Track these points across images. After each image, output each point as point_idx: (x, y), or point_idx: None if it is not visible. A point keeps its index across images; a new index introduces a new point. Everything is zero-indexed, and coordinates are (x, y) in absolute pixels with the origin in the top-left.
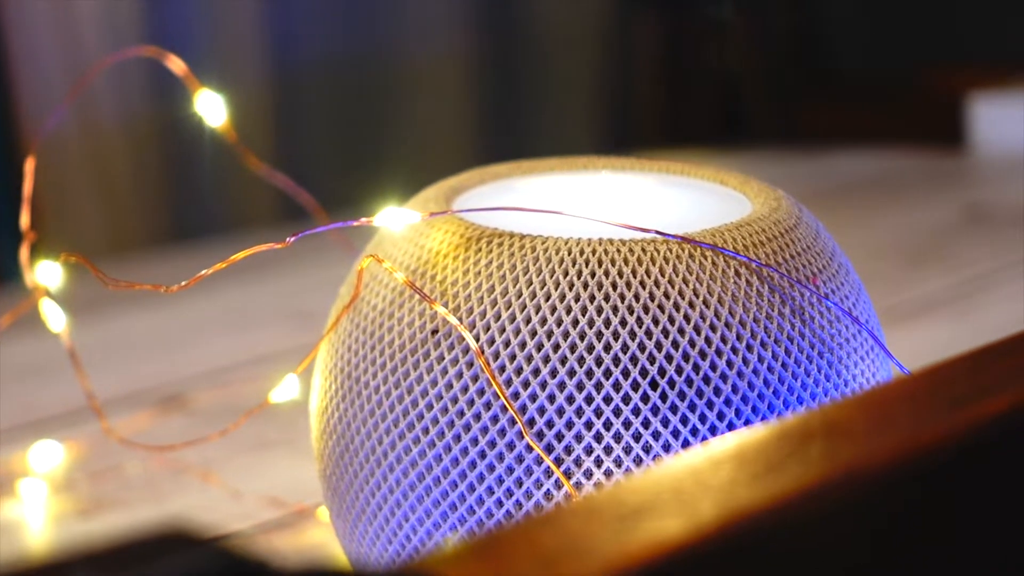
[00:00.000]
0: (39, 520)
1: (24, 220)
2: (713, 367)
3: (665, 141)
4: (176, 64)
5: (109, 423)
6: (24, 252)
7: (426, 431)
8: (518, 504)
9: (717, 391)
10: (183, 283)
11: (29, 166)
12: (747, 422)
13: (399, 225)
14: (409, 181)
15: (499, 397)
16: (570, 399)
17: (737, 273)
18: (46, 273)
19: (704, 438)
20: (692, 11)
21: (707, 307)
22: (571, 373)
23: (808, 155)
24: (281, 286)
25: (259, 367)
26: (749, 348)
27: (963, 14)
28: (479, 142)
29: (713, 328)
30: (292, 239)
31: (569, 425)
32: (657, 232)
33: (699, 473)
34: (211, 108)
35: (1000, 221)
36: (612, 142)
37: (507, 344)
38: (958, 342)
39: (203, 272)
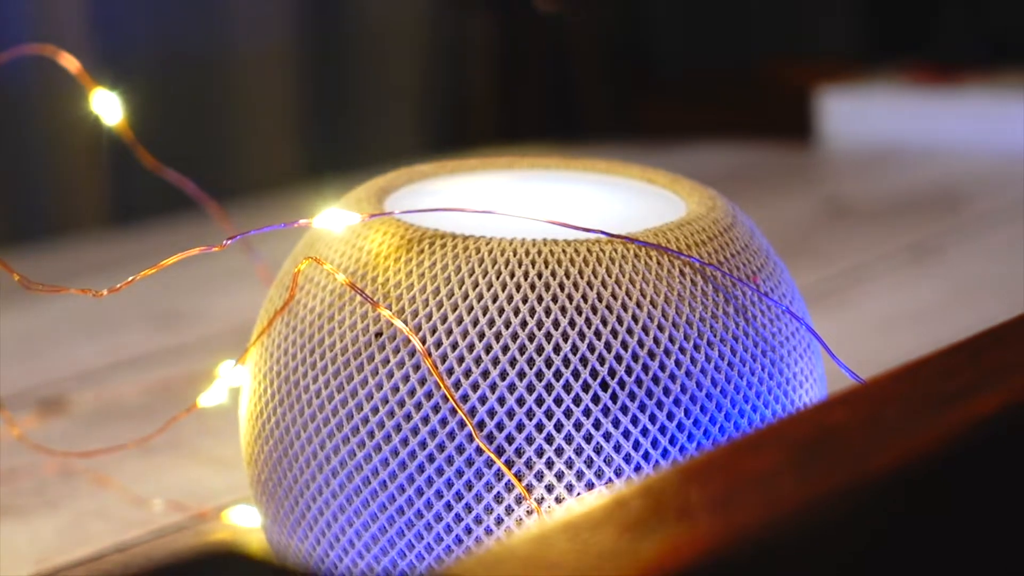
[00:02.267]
0: None
1: None
2: (662, 367)
3: (499, 138)
4: (70, 62)
5: None
6: None
7: (371, 435)
8: (467, 507)
9: (666, 391)
10: (117, 286)
11: None
12: (695, 421)
13: (338, 226)
14: (237, 180)
15: (447, 400)
16: (520, 401)
17: (682, 272)
18: None
19: (654, 438)
20: (525, 8)
21: (654, 307)
22: (521, 375)
23: (653, 150)
24: (141, 285)
25: (130, 370)
26: (696, 347)
27: (805, 11)
28: (306, 139)
29: (660, 328)
30: (228, 242)
31: (520, 427)
32: (601, 232)
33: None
34: (107, 106)
35: (861, 214)
36: (444, 139)
37: (454, 346)
38: (841, 336)
39: (136, 276)
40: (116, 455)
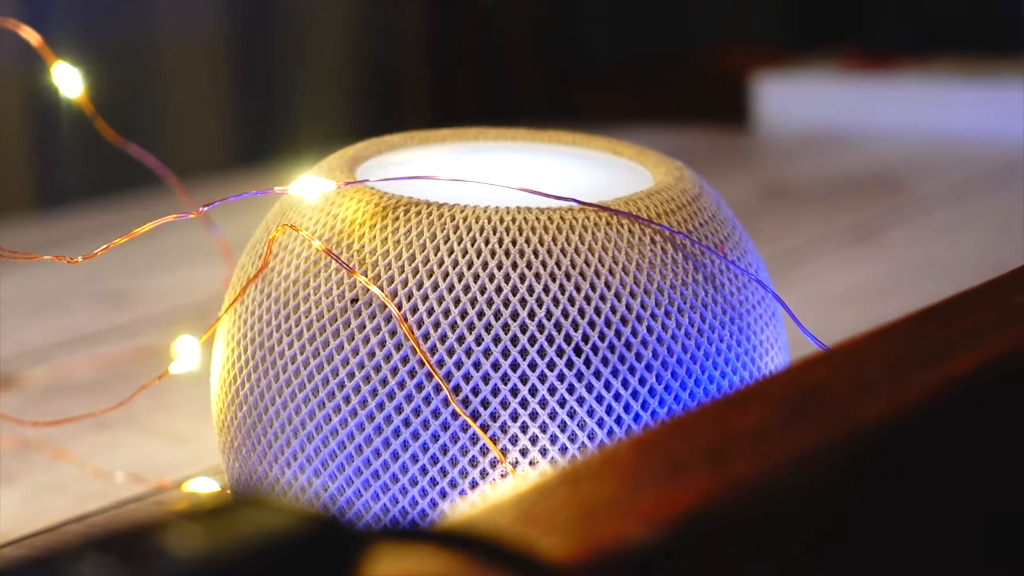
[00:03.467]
0: None
1: None
2: (634, 333)
3: (433, 125)
4: (31, 35)
5: None
6: None
7: (347, 400)
8: (443, 471)
9: (639, 356)
10: (95, 252)
11: None
12: (666, 387)
13: (313, 194)
14: (170, 162)
15: (423, 365)
16: (495, 366)
17: (652, 241)
18: None
19: (626, 403)
20: None
21: (626, 274)
22: (496, 340)
23: (590, 134)
24: (84, 264)
25: (79, 347)
26: (667, 314)
27: None
28: (234, 125)
29: (633, 295)
30: (204, 208)
31: (495, 392)
32: (574, 200)
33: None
34: (68, 80)
35: (799, 197)
36: (377, 126)
37: (430, 312)
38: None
39: (113, 242)
40: (70, 429)
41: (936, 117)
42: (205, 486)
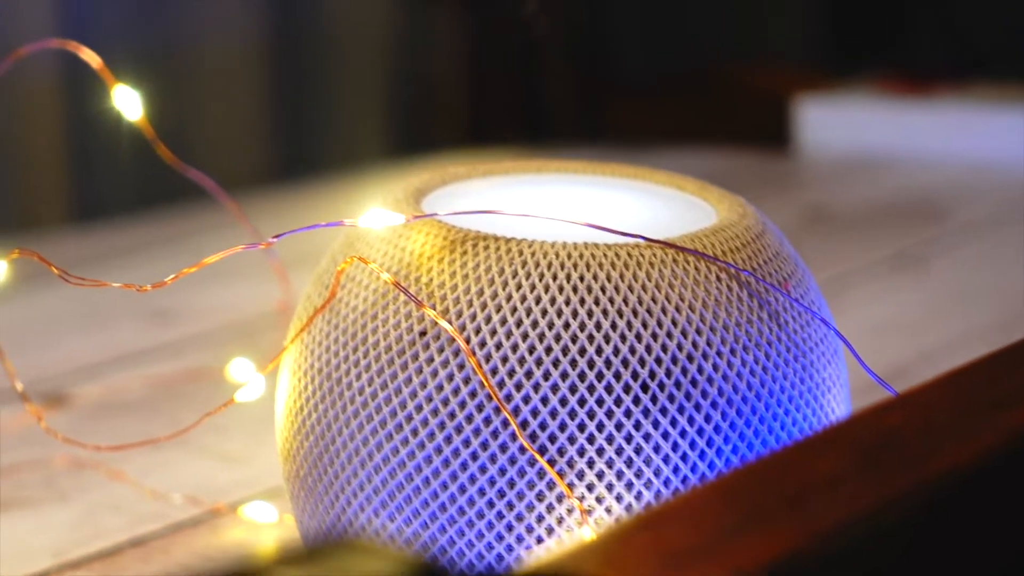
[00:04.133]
0: None
1: None
2: (700, 370)
3: (467, 141)
4: (91, 57)
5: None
6: None
7: (415, 433)
8: (509, 505)
9: (704, 394)
10: (164, 281)
11: None
12: (731, 424)
13: (381, 226)
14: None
15: (491, 399)
16: (563, 401)
17: (718, 278)
18: None
19: (691, 440)
20: (495, 11)
21: (692, 311)
22: (563, 376)
23: (627, 155)
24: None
25: (128, 365)
26: (732, 352)
27: (771, 20)
28: (269, 137)
29: (699, 332)
30: (274, 240)
31: (562, 427)
32: (640, 237)
33: None
34: (128, 102)
35: (842, 222)
36: (410, 141)
37: (499, 347)
38: None
39: (182, 271)
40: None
41: (976, 143)
42: (261, 511)
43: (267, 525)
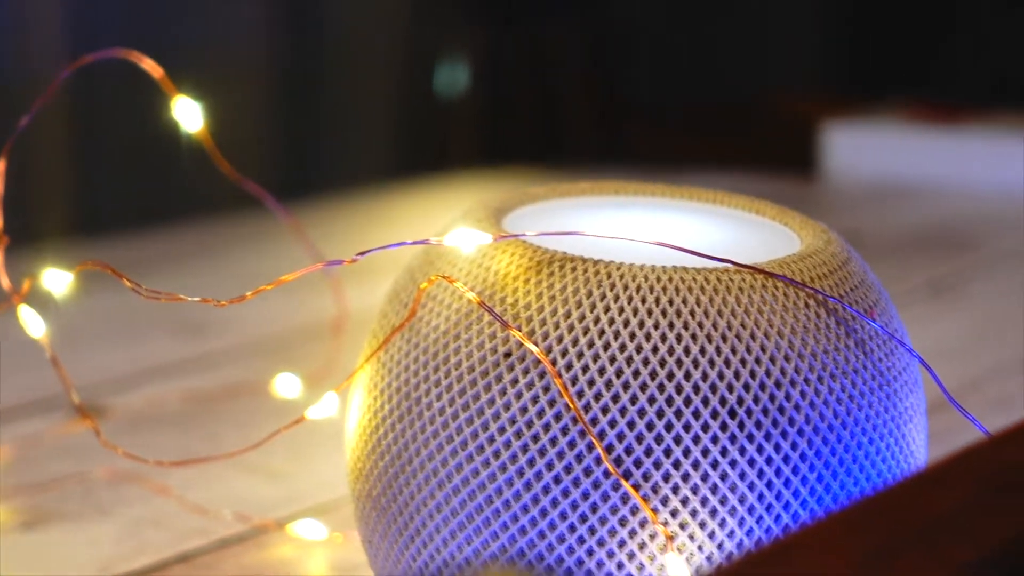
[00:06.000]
0: None
1: None
2: (788, 397)
3: (482, 160)
4: (153, 68)
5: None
6: None
7: (497, 454)
8: (591, 529)
9: (791, 421)
10: (244, 295)
11: (0, 167)
12: (816, 452)
13: (468, 246)
14: (210, 188)
15: (576, 422)
16: (649, 426)
17: (806, 305)
18: (52, 281)
19: (777, 467)
20: (513, 30)
21: (780, 338)
22: (651, 400)
23: (654, 179)
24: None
25: (161, 378)
26: (820, 380)
27: (803, 43)
28: (280, 155)
29: (787, 359)
30: (359, 257)
31: (648, 452)
32: (728, 261)
33: None
34: (188, 114)
35: (874, 249)
36: (426, 159)
37: (585, 369)
38: None
39: (259, 288)
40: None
41: (1004, 171)
42: (310, 528)
43: (316, 542)
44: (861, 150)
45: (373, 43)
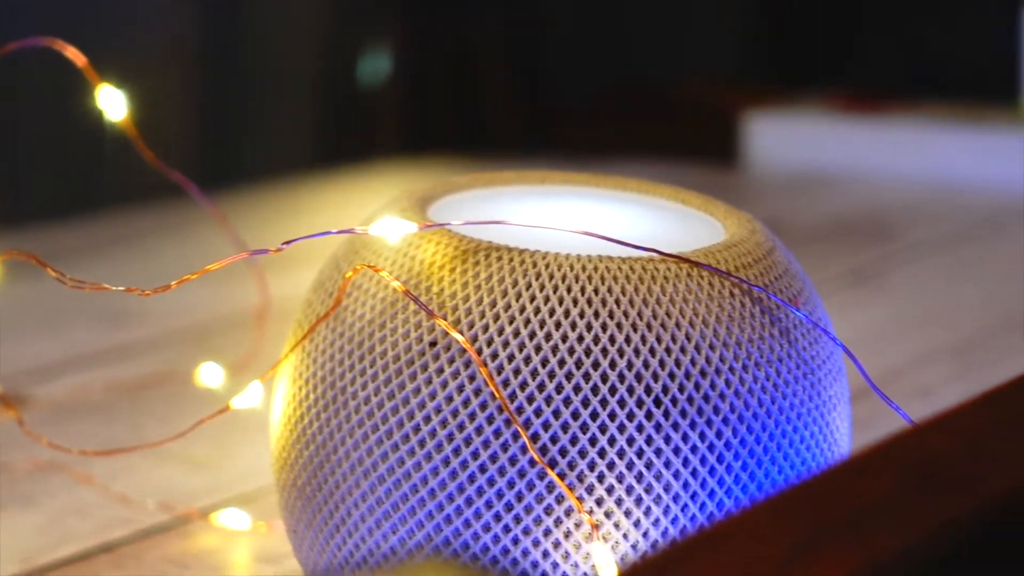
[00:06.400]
0: None
1: None
2: (713, 386)
3: (405, 150)
4: (76, 56)
5: None
6: None
7: (422, 443)
8: (516, 518)
9: (716, 410)
10: (169, 285)
11: None
12: (741, 440)
13: (393, 235)
14: (134, 177)
15: (502, 411)
16: (575, 415)
17: (731, 294)
18: None
19: (702, 455)
20: (437, 16)
21: (706, 327)
22: (576, 389)
23: (571, 167)
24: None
25: (84, 367)
26: (744, 368)
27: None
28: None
29: (712, 348)
30: (284, 246)
31: (573, 440)
32: (654, 251)
33: None
34: (111, 102)
35: (791, 239)
36: (350, 148)
37: (511, 358)
38: None
39: (184, 277)
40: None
41: (925, 161)
42: (234, 518)
43: (240, 532)
44: (783, 139)
45: (298, 31)
